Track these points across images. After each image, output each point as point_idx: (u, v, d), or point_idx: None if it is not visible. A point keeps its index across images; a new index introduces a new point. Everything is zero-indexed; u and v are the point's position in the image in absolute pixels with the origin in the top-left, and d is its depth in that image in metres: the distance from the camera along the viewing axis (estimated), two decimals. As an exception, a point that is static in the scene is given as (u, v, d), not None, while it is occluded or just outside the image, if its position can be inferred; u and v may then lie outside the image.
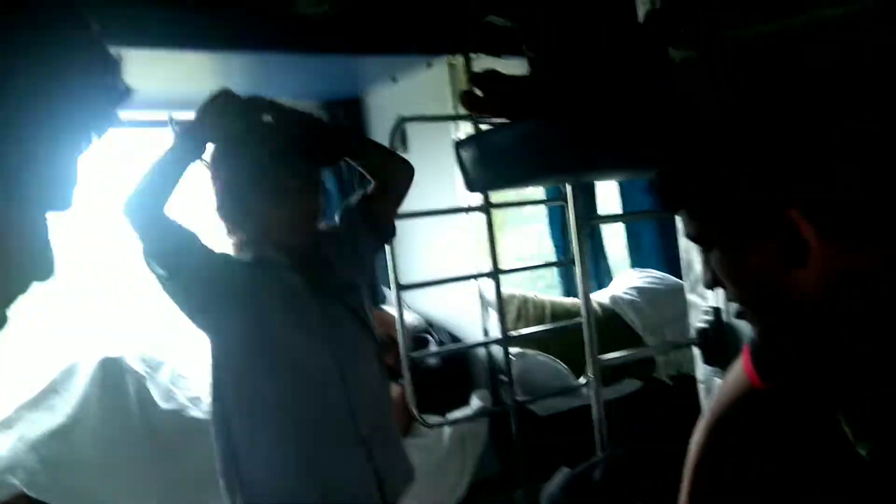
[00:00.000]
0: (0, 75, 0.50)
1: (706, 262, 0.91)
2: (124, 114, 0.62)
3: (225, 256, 1.52)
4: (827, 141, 0.75)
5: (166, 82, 2.48)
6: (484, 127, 2.34)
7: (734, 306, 0.94)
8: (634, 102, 1.22)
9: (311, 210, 1.53)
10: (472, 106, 1.59)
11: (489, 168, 1.61)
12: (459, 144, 1.64)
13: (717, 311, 2.07)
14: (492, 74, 1.65)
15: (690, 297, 2.13)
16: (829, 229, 0.76)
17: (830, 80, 0.77)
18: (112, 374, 2.19)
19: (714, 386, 2.17)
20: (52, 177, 0.55)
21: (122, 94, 0.59)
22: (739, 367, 1.09)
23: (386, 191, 1.67)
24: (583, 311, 1.88)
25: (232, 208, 1.51)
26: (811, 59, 0.82)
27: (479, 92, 1.61)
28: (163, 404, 2.21)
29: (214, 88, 2.80)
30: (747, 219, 0.80)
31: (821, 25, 0.88)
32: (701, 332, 2.06)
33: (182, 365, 2.36)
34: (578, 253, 2.06)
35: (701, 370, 2.14)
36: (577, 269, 1.99)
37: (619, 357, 2.11)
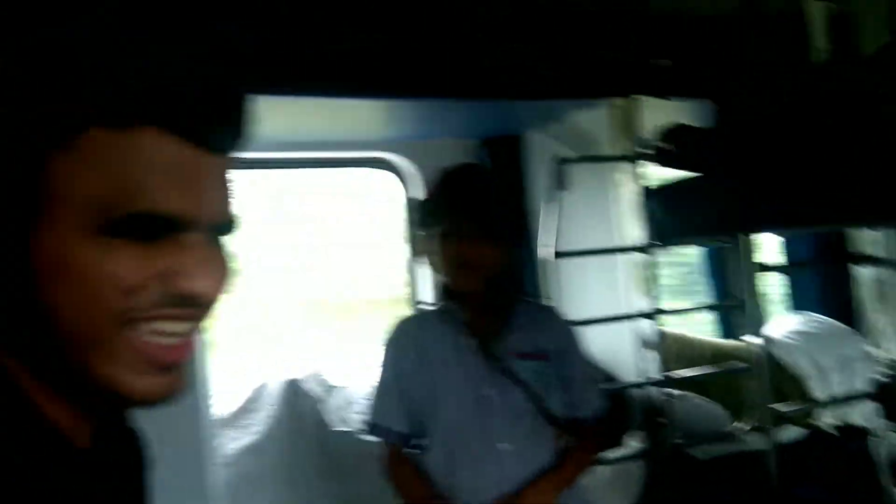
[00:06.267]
0: None
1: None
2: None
3: (397, 351, 1.66)
4: None
5: (339, 126, 2.67)
6: (650, 168, 2.35)
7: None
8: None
9: (471, 257, 1.57)
10: (662, 160, 1.63)
11: (678, 218, 1.65)
12: (648, 193, 1.68)
13: (899, 364, 2.00)
14: (681, 129, 1.68)
15: (867, 348, 2.06)
16: None
17: None
18: (293, 396, 2.35)
19: (891, 441, 2.09)
20: None
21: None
22: None
23: None
24: (755, 358, 1.86)
25: (421, 247, 1.65)
26: None
27: (667, 146, 1.65)
28: (336, 427, 2.34)
29: (382, 129, 2.97)
30: None
31: None
32: (881, 385, 2.00)
33: (354, 390, 2.50)
34: (750, 298, 2.04)
35: (878, 424, 2.07)
36: (747, 314, 1.98)
37: (791, 407, 2.06)
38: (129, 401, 0.57)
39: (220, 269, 0.57)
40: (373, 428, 1.65)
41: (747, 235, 1.97)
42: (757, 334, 1.95)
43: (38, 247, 0.51)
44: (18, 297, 0.53)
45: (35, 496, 0.51)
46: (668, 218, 1.48)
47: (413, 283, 2.91)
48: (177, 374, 0.58)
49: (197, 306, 0.57)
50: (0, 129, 0.51)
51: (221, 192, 0.58)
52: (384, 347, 1.67)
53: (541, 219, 2.35)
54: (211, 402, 1.47)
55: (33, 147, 0.51)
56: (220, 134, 0.56)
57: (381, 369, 1.67)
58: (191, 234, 0.55)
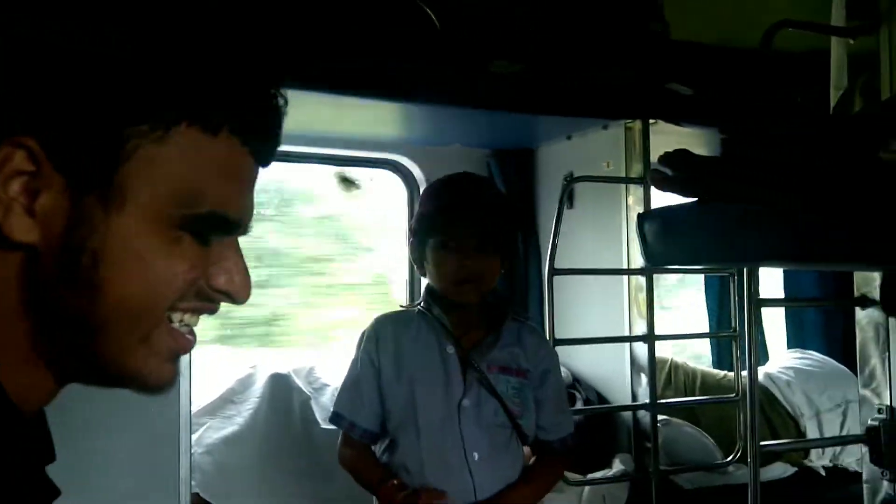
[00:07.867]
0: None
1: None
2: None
3: (369, 348, 1.66)
4: None
5: (353, 126, 2.68)
6: (657, 192, 2.34)
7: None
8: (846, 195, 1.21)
9: (471, 270, 1.57)
10: (661, 183, 1.62)
11: (671, 244, 1.63)
12: (643, 217, 1.67)
13: (891, 409, 1.98)
14: (682, 154, 1.67)
15: (863, 391, 2.04)
16: None
17: None
18: (280, 390, 2.35)
19: (881, 488, 2.06)
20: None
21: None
22: None
23: None
24: (748, 391, 1.85)
25: (413, 253, 1.65)
26: None
27: (667, 170, 1.63)
28: (324, 424, 2.34)
29: (394, 131, 2.97)
30: None
31: None
32: (872, 429, 1.97)
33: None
34: (748, 331, 2.03)
35: (867, 469, 2.04)
36: (745, 346, 1.96)
37: (780, 444, 2.04)
38: (144, 384, 0.59)
39: (247, 271, 0.61)
40: (337, 419, 1.65)
41: (745, 267, 1.96)
42: (751, 367, 1.93)
43: (107, 229, 0.52)
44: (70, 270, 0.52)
45: None
46: (662, 243, 1.47)
47: (413, 286, 2.91)
48: (178, 364, 0.61)
49: (218, 302, 0.61)
50: (95, 106, 0.51)
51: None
52: (361, 341, 1.67)
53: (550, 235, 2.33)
54: (189, 390, 1.47)
55: (122, 128, 0.52)
56: (273, 151, 0.62)
57: (354, 362, 1.67)
58: (233, 238, 0.60)
